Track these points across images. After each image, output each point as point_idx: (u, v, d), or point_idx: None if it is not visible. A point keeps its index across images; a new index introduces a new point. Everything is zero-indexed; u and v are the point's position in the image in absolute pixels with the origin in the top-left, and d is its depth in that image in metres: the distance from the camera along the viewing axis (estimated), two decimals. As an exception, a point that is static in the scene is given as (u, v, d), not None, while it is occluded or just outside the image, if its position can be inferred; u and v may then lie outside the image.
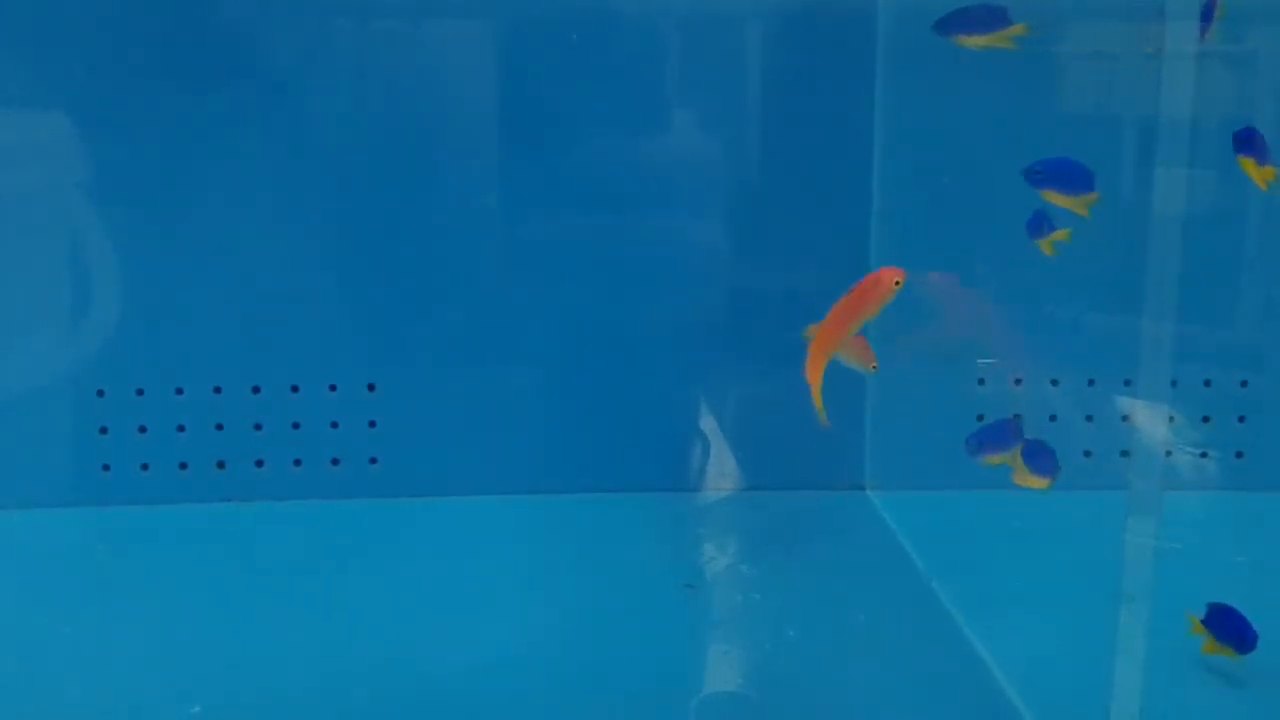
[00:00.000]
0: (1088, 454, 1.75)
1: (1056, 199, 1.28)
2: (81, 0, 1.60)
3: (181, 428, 1.70)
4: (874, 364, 1.48)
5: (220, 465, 1.72)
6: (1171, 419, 1.72)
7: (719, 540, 1.63)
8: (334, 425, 1.72)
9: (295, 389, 1.71)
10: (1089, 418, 1.75)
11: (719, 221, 1.73)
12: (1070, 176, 1.27)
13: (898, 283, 1.52)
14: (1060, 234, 1.30)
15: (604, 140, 1.69)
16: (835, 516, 1.70)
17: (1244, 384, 1.76)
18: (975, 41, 1.32)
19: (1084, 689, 1.21)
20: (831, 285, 1.70)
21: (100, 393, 1.68)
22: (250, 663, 1.29)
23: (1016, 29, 1.30)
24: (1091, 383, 1.75)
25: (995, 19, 1.30)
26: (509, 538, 1.63)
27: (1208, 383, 1.74)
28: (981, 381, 1.75)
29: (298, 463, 1.73)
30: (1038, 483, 1.28)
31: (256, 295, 1.68)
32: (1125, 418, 1.71)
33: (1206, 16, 1.24)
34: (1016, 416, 1.41)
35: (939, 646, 1.33)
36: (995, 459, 1.31)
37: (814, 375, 1.41)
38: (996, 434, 1.33)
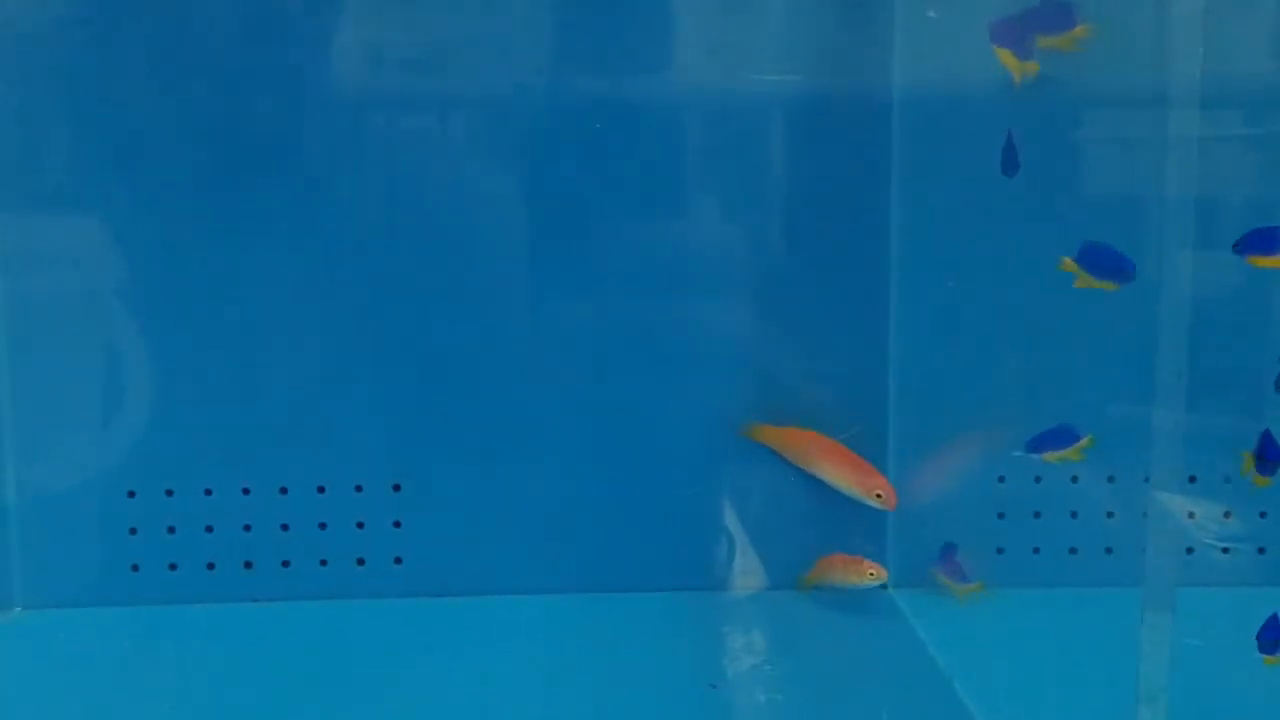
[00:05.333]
0: (1109, 551, 1.75)
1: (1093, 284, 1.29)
2: (112, 103, 1.65)
3: (210, 528, 1.72)
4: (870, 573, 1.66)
5: (248, 565, 1.73)
6: (1191, 514, 1.72)
7: (743, 640, 1.63)
8: (360, 525, 1.74)
9: (321, 490, 1.73)
10: (1110, 514, 1.75)
11: (741, 310, 1.75)
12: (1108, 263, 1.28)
13: (879, 495, 1.64)
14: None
15: (628, 233, 1.72)
16: (858, 616, 1.70)
17: (1265, 479, 1.75)
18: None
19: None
20: (853, 373, 1.72)
21: (131, 493, 1.71)
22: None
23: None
24: (1111, 479, 1.75)
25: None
26: (534, 637, 1.63)
27: (1228, 479, 1.74)
28: (1002, 479, 1.75)
29: (324, 563, 1.74)
30: None
31: (284, 397, 1.71)
32: (1146, 514, 1.71)
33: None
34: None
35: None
36: None
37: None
38: None
